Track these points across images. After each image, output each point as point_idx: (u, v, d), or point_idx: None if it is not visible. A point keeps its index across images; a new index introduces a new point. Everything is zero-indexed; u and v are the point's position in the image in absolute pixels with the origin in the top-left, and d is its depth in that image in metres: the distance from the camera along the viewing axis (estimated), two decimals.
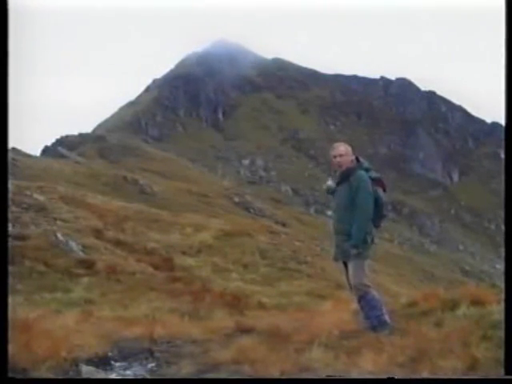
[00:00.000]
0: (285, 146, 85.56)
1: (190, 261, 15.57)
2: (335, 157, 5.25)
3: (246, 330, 5.57)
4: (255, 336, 5.15)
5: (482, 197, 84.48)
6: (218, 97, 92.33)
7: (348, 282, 5.32)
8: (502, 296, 4.17)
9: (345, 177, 5.18)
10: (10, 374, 3.76)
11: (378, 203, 5.20)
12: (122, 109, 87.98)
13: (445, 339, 4.28)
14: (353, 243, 5.03)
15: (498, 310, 4.79)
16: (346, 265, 5.30)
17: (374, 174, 5.28)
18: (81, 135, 65.08)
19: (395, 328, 4.93)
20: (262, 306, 11.16)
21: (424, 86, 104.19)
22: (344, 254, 5.18)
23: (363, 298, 5.09)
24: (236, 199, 45.73)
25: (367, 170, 5.27)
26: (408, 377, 3.67)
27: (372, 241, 5.16)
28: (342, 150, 5.25)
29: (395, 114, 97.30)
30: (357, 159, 5.27)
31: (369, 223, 5.12)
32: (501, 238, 61.64)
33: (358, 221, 5.03)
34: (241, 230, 21.18)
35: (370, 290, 5.11)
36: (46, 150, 56.44)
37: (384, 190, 5.32)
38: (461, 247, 70.14)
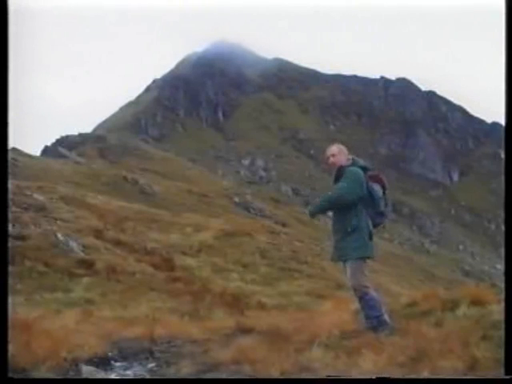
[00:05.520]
0: (285, 145, 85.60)
1: (190, 261, 15.56)
2: (328, 157, 5.30)
3: (245, 330, 5.57)
4: (255, 336, 5.15)
5: (482, 197, 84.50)
6: (218, 97, 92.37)
7: (348, 282, 5.31)
8: (502, 296, 4.18)
9: (339, 175, 5.19)
10: (10, 374, 3.76)
11: (372, 198, 5.16)
12: (122, 109, 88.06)
13: (445, 339, 4.28)
14: (310, 207, 5.33)
15: (498, 310, 4.79)
16: (343, 264, 5.29)
17: (370, 172, 5.27)
18: (81, 135, 65.05)
19: (395, 328, 4.93)
20: (262, 306, 11.16)
21: (424, 86, 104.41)
22: (341, 254, 5.17)
23: (362, 299, 5.08)
24: (236, 199, 45.71)
25: (364, 168, 5.23)
26: (408, 377, 3.66)
27: (370, 238, 5.14)
28: (335, 150, 5.30)
29: (395, 114, 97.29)
30: (353, 159, 5.29)
31: (334, 207, 5.17)
32: (501, 238, 61.65)
33: (327, 196, 5.17)
34: (241, 230, 21.17)
35: (368, 290, 5.09)
36: (46, 150, 56.36)
37: (384, 187, 5.29)
38: (461, 247, 70.13)
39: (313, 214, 5.28)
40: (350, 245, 5.05)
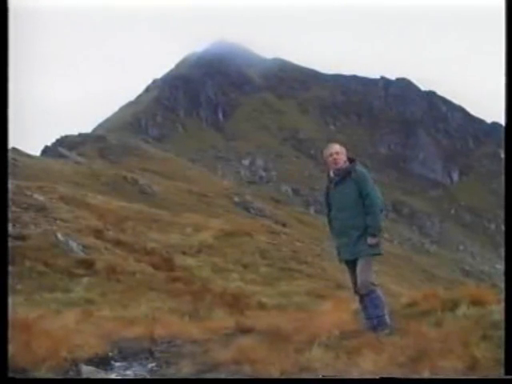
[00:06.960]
0: (285, 145, 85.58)
1: (190, 261, 15.56)
2: (331, 154, 5.29)
3: (245, 330, 5.57)
4: (255, 336, 5.15)
5: (482, 197, 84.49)
6: (218, 97, 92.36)
7: (352, 282, 5.30)
8: (502, 296, 4.17)
9: (345, 174, 5.21)
10: (10, 374, 3.76)
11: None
12: (121, 109, 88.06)
13: (445, 339, 4.28)
14: (371, 232, 5.06)
15: (497, 310, 4.79)
16: (348, 264, 5.29)
17: None
18: (81, 135, 65.08)
19: (395, 328, 4.93)
20: (262, 305, 11.16)
21: (424, 86, 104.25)
22: (355, 251, 5.14)
23: (368, 296, 5.08)
24: (236, 199, 45.73)
25: None
26: (408, 377, 3.66)
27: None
28: (338, 148, 5.32)
29: (395, 114, 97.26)
30: (349, 160, 5.31)
31: (381, 213, 5.18)
32: (501, 238, 61.64)
33: (373, 211, 5.09)
34: (241, 229, 21.18)
35: (376, 288, 5.12)
36: (46, 150, 56.39)
37: None
38: (461, 247, 70.16)
39: (380, 230, 5.19)
40: (366, 242, 5.08)
